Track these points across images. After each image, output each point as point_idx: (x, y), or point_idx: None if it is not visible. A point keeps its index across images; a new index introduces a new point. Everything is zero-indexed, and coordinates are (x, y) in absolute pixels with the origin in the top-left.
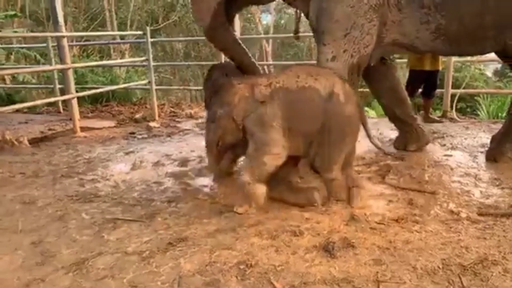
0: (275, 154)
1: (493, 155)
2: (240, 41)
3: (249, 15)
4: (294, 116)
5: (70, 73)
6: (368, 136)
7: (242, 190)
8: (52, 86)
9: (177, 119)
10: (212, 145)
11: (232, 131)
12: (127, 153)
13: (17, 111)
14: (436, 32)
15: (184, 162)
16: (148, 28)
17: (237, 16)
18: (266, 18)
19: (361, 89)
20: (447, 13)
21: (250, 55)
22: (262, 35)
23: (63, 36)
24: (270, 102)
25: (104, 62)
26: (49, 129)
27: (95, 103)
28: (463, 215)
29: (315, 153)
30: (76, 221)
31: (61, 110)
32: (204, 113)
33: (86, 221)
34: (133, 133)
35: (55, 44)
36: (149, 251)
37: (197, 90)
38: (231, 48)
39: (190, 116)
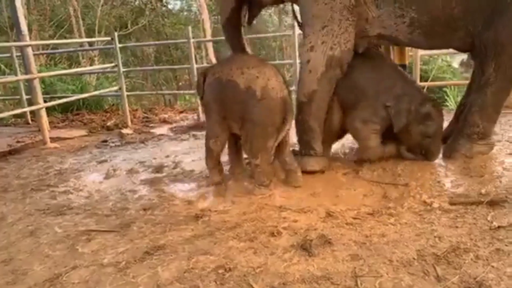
0: (215, 138)
1: (448, 151)
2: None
3: (219, 16)
4: (224, 104)
5: (37, 83)
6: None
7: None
8: (18, 97)
9: (150, 125)
10: None
11: None
12: (100, 162)
13: None
14: (411, 25)
15: (158, 168)
16: (116, 34)
17: (207, 18)
18: None
19: None
20: (417, 7)
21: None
22: None
23: (27, 45)
24: (209, 90)
25: (72, 70)
26: (17, 142)
27: (66, 112)
28: (436, 205)
29: (244, 140)
30: (49, 236)
31: (30, 121)
32: (177, 118)
33: (59, 235)
34: (106, 141)
35: (20, 53)
36: (125, 261)
37: (170, 94)
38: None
39: (164, 121)
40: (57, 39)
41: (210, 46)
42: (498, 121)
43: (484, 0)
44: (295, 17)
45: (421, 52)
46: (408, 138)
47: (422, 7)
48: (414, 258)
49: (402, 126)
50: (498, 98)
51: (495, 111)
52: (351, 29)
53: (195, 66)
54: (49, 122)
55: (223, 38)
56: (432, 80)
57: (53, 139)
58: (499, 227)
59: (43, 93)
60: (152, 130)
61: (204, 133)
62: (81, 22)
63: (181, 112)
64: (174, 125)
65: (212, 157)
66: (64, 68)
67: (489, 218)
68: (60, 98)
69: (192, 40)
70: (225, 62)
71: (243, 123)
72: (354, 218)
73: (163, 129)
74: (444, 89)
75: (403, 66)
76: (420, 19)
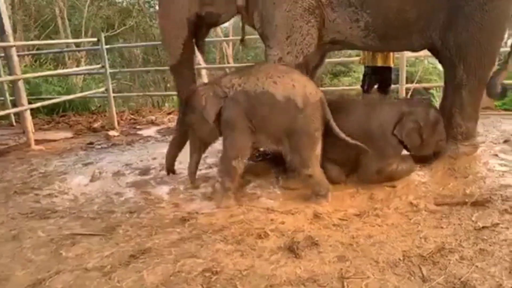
0: (242, 156)
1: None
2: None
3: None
4: (255, 119)
5: (21, 84)
6: (336, 132)
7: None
8: (2, 98)
9: (137, 127)
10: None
11: (207, 132)
12: (85, 165)
13: None
14: (366, 29)
15: (145, 170)
16: (102, 35)
17: None
18: None
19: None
20: (372, 11)
21: None
22: (222, 38)
23: (11, 46)
24: (233, 104)
25: (58, 71)
26: (1, 144)
27: (51, 114)
28: (422, 206)
29: (290, 153)
30: (32, 240)
31: (14, 123)
32: (165, 119)
33: (42, 239)
34: (92, 143)
35: (3, 54)
36: (110, 265)
37: (158, 95)
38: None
39: (151, 123)
40: (42, 39)
41: None
42: (482, 122)
43: (439, 2)
44: (243, 33)
45: (407, 54)
46: (425, 150)
47: (376, 10)
48: (400, 259)
49: (418, 144)
50: (474, 98)
51: (474, 110)
52: (313, 31)
53: None
54: (34, 124)
55: (211, 39)
56: (418, 82)
57: (38, 141)
58: (483, 227)
59: (28, 95)
60: (139, 132)
61: None
62: (67, 22)
63: (169, 113)
64: (162, 126)
65: (234, 178)
66: (50, 69)
67: (473, 219)
68: (45, 99)
69: None
70: (243, 74)
71: (284, 136)
72: (341, 220)
73: (150, 131)
74: (431, 91)
75: (388, 68)
76: (375, 22)
